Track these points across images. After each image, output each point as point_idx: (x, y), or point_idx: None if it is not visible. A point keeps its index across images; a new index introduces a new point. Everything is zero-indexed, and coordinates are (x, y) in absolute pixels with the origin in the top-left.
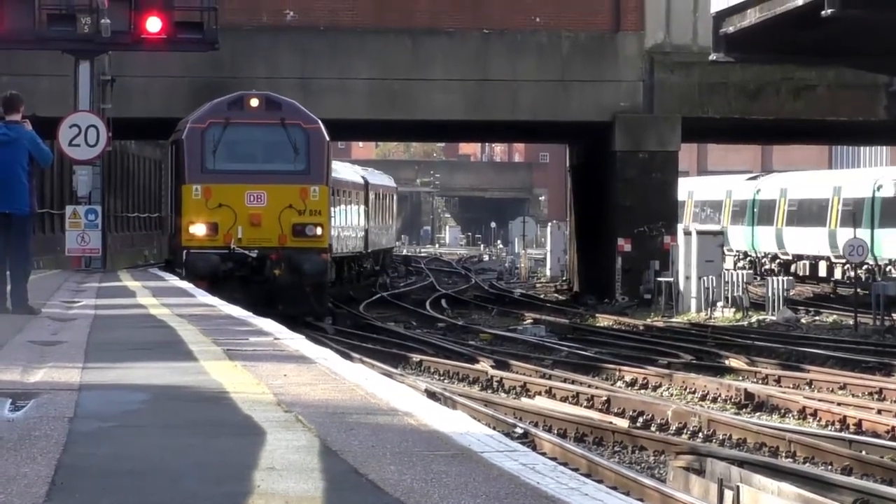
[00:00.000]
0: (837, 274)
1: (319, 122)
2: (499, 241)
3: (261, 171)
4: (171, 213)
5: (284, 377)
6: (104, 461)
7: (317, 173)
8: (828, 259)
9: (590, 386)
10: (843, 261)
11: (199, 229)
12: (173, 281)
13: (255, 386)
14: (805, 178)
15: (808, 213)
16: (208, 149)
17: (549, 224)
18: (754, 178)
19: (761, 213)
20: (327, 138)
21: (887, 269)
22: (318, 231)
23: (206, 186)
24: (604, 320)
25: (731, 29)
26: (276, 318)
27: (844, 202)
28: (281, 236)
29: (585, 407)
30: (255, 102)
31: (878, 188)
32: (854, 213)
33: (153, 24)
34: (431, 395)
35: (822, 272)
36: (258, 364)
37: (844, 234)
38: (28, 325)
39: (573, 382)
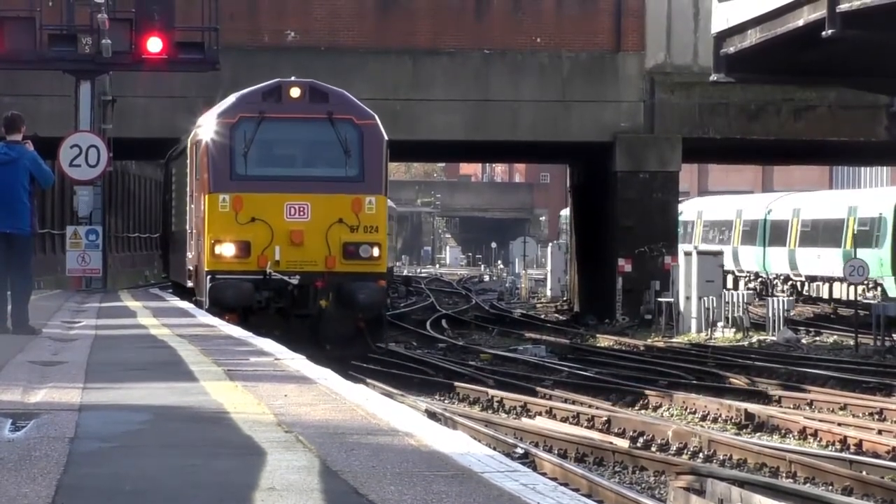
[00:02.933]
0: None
1: (375, 116)
2: (499, 262)
3: (304, 177)
4: (189, 228)
5: (285, 397)
6: (105, 481)
7: (373, 180)
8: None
9: (590, 406)
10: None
11: (226, 250)
12: (174, 301)
13: (256, 406)
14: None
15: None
16: (238, 149)
17: (550, 244)
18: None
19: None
20: (385, 136)
21: (774, 282)
22: (375, 252)
23: (235, 196)
24: (604, 340)
25: (731, 49)
26: (324, 362)
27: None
28: (328, 258)
29: (586, 427)
30: (296, 92)
31: (769, 212)
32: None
33: (154, 45)
34: (432, 415)
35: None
36: (259, 384)
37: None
38: (29, 346)
39: (573, 403)
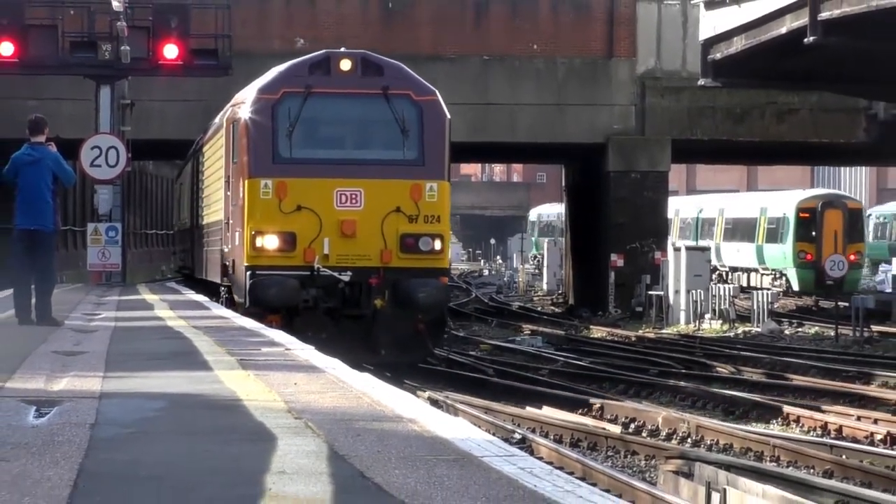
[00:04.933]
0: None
1: (436, 92)
2: (498, 257)
3: (356, 160)
4: (226, 219)
5: (295, 385)
6: (124, 466)
7: (434, 163)
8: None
9: (584, 394)
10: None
11: (269, 242)
12: (189, 294)
13: (267, 394)
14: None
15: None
16: (282, 129)
17: (546, 240)
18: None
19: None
20: (447, 115)
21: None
22: (437, 245)
23: (279, 182)
24: (598, 332)
25: (718, 56)
26: (376, 369)
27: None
28: (384, 252)
29: (580, 414)
30: (346, 64)
31: (700, 211)
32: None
33: (170, 51)
34: (434, 402)
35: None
36: (270, 373)
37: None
38: (52, 337)
39: (568, 390)
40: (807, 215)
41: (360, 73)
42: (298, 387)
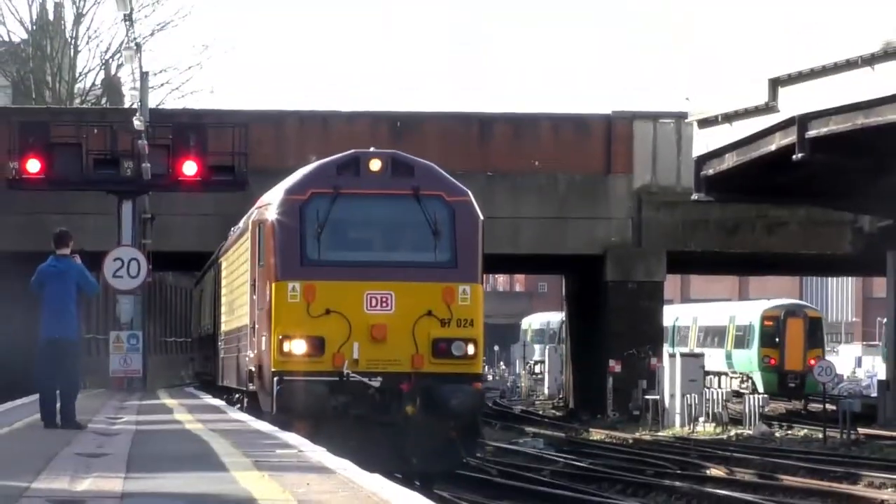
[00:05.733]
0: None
1: (469, 193)
2: (501, 363)
3: (386, 262)
4: (252, 323)
5: (308, 486)
6: None
7: (467, 266)
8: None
9: (584, 493)
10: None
11: (297, 347)
12: (207, 399)
13: (281, 494)
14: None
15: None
16: (310, 231)
17: (547, 347)
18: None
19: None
20: (481, 216)
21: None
22: (470, 349)
23: (307, 285)
24: (596, 434)
25: (711, 171)
26: (406, 480)
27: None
28: (416, 357)
29: None
30: (376, 164)
31: (676, 319)
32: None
33: (189, 168)
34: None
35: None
36: (284, 474)
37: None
38: (75, 439)
39: (569, 490)
40: (770, 323)
41: (389, 174)
42: (311, 487)
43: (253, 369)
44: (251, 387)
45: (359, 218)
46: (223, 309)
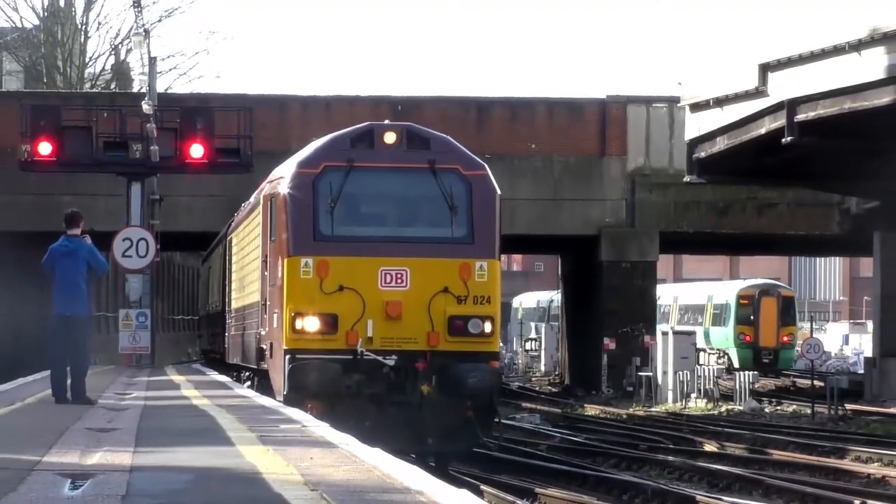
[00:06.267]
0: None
1: (486, 166)
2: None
3: (401, 238)
4: (263, 300)
5: (311, 460)
6: None
7: (484, 241)
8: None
9: (580, 468)
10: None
11: (309, 324)
12: (213, 375)
13: (285, 467)
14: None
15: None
16: (323, 205)
17: (543, 325)
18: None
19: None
20: (498, 190)
21: None
22: (487, 327)
23: (320, 260)
24: (591, 410)
25: (702, 154)
26: (422, 461)
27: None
28: (431, 335)
29: (577, 485)
30: (390, 137)
31: (658, 297)
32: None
33: (196, 151)
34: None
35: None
36: (288, 448)
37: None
38: (86, 415)
39: (565, 464)
40: (746, 302)
41: (405, 147)
42: (314, 461)
43: (264, 347)
44: (262, 365)
45: (373, 192)
46: (233, 286)
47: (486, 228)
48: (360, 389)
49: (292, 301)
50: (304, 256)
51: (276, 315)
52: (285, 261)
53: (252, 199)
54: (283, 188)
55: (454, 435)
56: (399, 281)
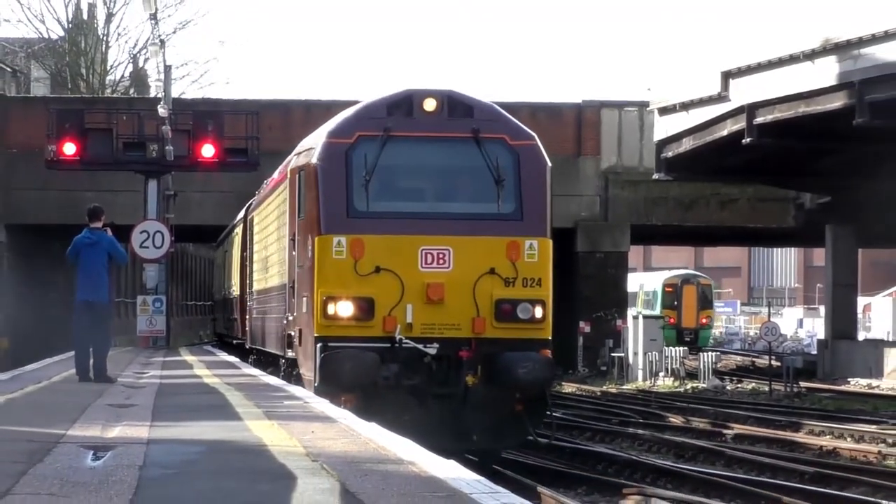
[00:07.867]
0: None
1: (535, 136)
2: None
3: (443, 214)
4: (290, 282)
5: (312, 433)
6: (168, 501)
7: (533, 218)
8: None
9: (559, 440)
10: None
11: (343, 309)
12: (223, 356)
13: (289, 440)
14: None
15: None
16: (357, 179)
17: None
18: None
19: None
20: (548, 162)
21: None
22: (538, 312)
23: (354, 239)
24: (568, 388)
25: (670, 154)
26: (462, 457)
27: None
28: (477, 321)
29: (554, 456)
30: (430, 104)
31: None
32: None
33: (207, 150)
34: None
35: None
36: (291, 423)
37: None
38: (107, 392)
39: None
40: (671, 290)
41: (446, 115)
42: (315, 434)
43: (292, 334)
44: (289, 353)
45: (412, 164)
46: (255, 266)
47: (535, 203)
48: (398, 381)
49: (324, 284)
50: (337, 235)
51: (305, 299)
52: (316, 239)
53: (276, 173)
54: (313, 160)
55: (501, 431)
56: (441, 261)
